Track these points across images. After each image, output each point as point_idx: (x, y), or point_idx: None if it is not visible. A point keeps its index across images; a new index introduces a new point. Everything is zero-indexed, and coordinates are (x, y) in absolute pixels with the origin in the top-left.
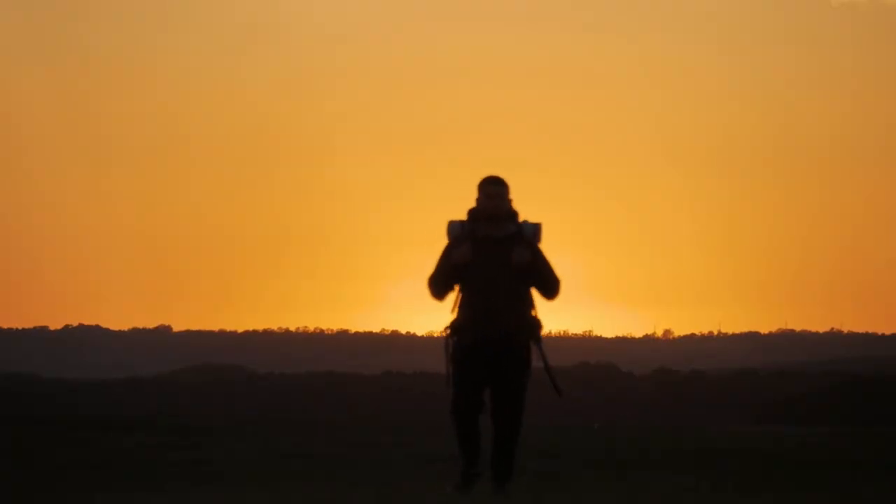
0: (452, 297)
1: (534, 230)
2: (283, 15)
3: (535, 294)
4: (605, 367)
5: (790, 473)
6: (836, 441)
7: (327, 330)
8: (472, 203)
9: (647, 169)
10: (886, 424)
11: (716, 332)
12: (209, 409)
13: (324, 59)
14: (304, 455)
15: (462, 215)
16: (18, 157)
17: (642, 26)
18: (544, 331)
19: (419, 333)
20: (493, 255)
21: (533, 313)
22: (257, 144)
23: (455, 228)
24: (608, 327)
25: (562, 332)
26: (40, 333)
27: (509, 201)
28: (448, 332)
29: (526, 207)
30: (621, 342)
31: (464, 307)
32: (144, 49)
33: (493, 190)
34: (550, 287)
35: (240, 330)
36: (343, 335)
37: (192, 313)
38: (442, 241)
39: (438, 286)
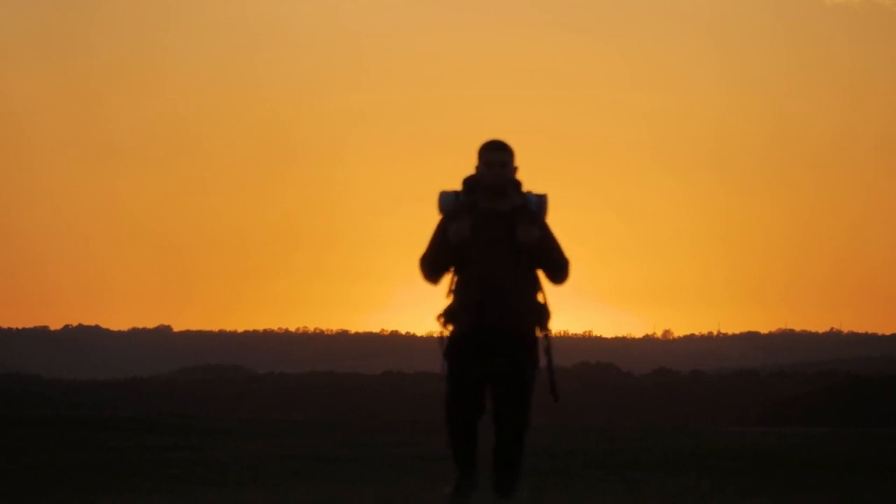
0: (448, 279)
1: (539, 202)
2: (293, 17)
3: (542, 277)
4: (605, 367)
5: (790, 473)
6: (836, 441)
7: (327, 330)
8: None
9: (646, 170)
10: (886, 424)
11: (716, 332)
12: (209, 409)
13: (330, 62)
14: (304, 455)
15: None
16: (20, 158)
17: (637, 27)
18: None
19: (419, 334)
20: (496, 231)
21: (540, 299)
22: (259, 147)
23: (448, 200)
24: (608, 327)
25: (562, 332)
26: (40, 333)
27: (514, 169)
28: (442, 320)
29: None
30: (621, 342)
31: (461, 291)
32: (151, 51)
33: (496, 157)
34: (559, 269)
35: (240, 330)
36: (343, 335)
37: (193, 313)
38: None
39: (432, 267)
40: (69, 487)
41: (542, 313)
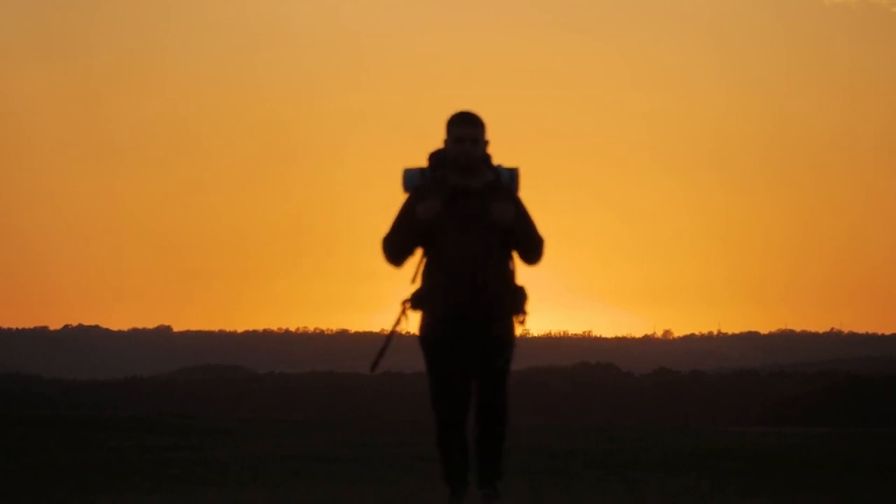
0: (414, 262)
1: (510, 176)
2: (293, 17)
3: (516, 258)
4: (605, 367)
5: (790, 473)
6: (836, 441)
7: (327, 330)
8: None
9: (646, 170)
10: (886, 424)
11: (716, 332)
12: (209, 410)
13: (330, 62)
14: (304, 455)
15: None
16: (20, 158)
17: (637, 27)
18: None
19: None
20: (468, 209)
21: (516, 281)
22: (259, 147)
23: (413, 178)
24: (608, 327)
25: (562, 332)
26: (40, 333)
27: (484, 144)
28: (407, 305)
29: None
30: (621, 342)
31: (430, 275)
32: (151, 51)
33: (467, 132)
34: (533, 248)
35: (240, 330)
36: (343, 335)
37: (193, 313)
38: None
39: (396, 249)
40: (69, 487)
41: (519, 295)
